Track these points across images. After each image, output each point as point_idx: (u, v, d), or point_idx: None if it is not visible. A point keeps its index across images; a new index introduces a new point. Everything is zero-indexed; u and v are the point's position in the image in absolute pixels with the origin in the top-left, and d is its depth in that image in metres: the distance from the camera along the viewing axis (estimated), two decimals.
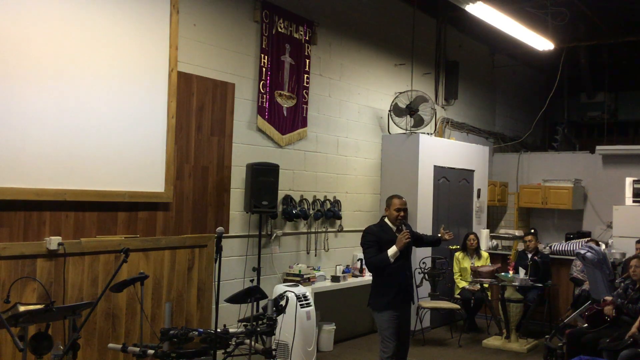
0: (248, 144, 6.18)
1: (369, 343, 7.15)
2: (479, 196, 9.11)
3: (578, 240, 8.77)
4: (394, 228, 4.94)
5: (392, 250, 4.80)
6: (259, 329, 4.39)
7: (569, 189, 10.15)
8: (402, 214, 4.94)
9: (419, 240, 5.30)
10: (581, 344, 5.64)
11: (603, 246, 8.07)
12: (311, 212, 6.89)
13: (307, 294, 6.15)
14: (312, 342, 6.08)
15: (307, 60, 6.85)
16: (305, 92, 6.82)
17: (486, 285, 7.67)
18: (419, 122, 7.93)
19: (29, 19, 4.37)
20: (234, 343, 4.30)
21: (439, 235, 5.38)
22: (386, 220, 4.99)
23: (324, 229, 7.14)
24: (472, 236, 8.23)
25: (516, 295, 7.29)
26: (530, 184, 10.80)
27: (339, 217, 7.25)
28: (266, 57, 6.32)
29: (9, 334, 3.10)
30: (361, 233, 7.46)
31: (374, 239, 4.88)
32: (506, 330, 7.35)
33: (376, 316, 4.90)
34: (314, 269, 6.77)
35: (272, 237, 6.43)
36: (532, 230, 9.24)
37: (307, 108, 6.85)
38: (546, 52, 8.98)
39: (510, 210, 10.82)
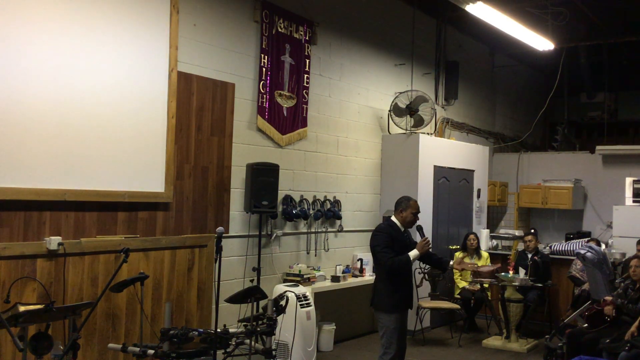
0: (248, 144, 6.18)
1: (369, 343, 7.15)
2: (479, 196, 9.10)
3: (578, 240, 8.77)
4: (402, 229, 4.95)
5: (414, 254, 4.81)
6: (259, 329, 4.39)
7: (569, 189, 10.15)
8: (417, 217, 4.97)
9: (427, 254, 5.15)
10: (581, 344, 5.64)
11: (603, 246, 8.07)
12: (311, 212, 6.89)
13: (307, 294, 6.15)
14: (312, 342, 6.08)
15: (307, 60, 6.85)
16: (305, 92, 6.82)
17: (486, 285, 7.67)
18: (419, 122, 7.93)
19: (29, 19, 4.37)
20: (234, 343, 4.30)
21: (449, 261, 5.16)
22: (394, 220, 4.97)
23: (324, 229, 7.14)
24: (472, 236, 8.23)
25: (516, 295, 7.29)
26: (530, 184, 10.81)
27: (339, 217, 7.25)
28: (266, 57, 6.32)
29: (9, 334, 3.10)
30: (361, 233, 7.50)
31: (389, 239, 4.82)
32: (506, 330, 7.35)
33: (383, 317, 4.84)
34: (314, 269, 6.77)
35: (272, 237, 6.43)
36: (532, 230, 9.24)
37: (307, 108, 6.85)
38: (546, 52, 8.98)
39: (510, 210, 10.82)
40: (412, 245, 4.95)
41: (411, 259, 4.80)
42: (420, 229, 5.04)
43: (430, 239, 5.11)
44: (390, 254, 4.76)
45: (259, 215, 6.09)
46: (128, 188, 5.01)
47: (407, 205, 4.92)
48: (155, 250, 5.24)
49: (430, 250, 4.99)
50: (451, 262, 5.19)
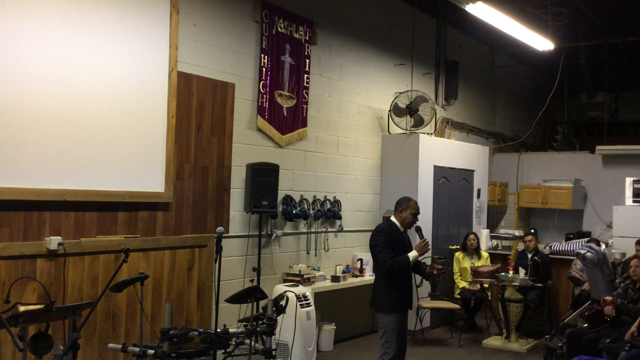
0: (248, 144, 6.18)
1: (369, 343, 7.15)
2: (479, 196, 9.10)
3: (578, 240, 8.77)
4: (402, 229, 4.96)
5: (413, 255, 4.82)
6: (259, 329, 4.39)
7: (569, 189, 10.14)
8: (417, 218, 4.98)
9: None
10: (581, 344, 5.65)
11: (603, 246, 8.07)
12: (311, 212, 6.89)
13: (307, 294, 6.15)
14: (312, 342, 6.08)
15: (307, 60, 6.84)
16: (305, 92, 6.82)
17: (486, 285, 7.67)
18: (419, 122, 7.93)
19: (29, 19, 4.37)
20: (234, 343, 4.30)
21: (428, 268, 5.13)
22: (394, 220, 4.98)
23: (324, 229, 7.14)
24: (472, 236, 8.23)
25: (516, 295, 7.29)
26: (530, 184, 10.80)
27: (339, 217, 7.24)
28: (266, 57, 6.32)
29: (9, 334, 3.10)
30: (361, 233, 7.50)
31: (388, 239, 4.83)
32: (506, 330, 7.35)
33: (382, 317, 4.87)
34: (314, 269, 6.77)
35: (272, 237, 6.43)
36: (532, 230, 9.24)
37: (307, 108, 6.85)
38: (546, 52, 8.98)
39: (510, 210, 10.82)
40: (411, 246, 4.95)
41: (410, 260, 4.81)
42: (419, 230, 5.05)
43: (430, 239, 5.13)
44: (389, 255, 4.77)
45: (259, 215, 6.09)
46: (128, 188, 5.01)
47: (407, 206, 4.94)
48: (155, 250, 5.24)
49: (430, 250, 5.00)
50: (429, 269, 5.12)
